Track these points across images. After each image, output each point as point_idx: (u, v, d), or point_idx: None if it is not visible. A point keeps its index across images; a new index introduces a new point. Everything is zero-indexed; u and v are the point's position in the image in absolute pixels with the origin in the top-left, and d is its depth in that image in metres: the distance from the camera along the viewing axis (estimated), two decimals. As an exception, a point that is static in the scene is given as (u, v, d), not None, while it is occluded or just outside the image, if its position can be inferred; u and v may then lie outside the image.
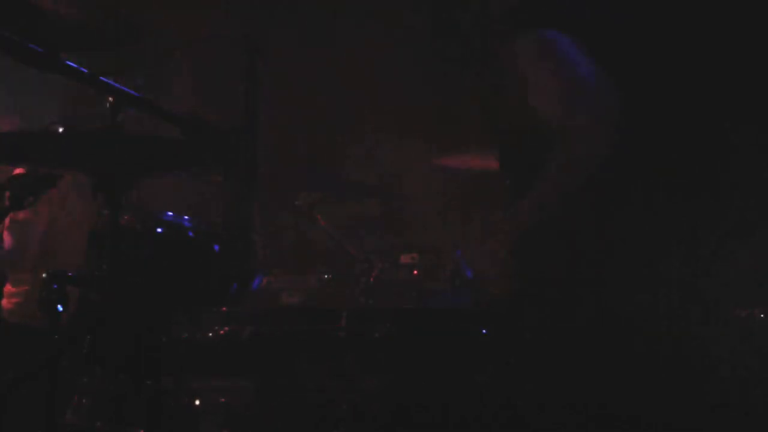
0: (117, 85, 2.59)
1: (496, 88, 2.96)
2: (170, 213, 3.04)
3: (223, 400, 2.80)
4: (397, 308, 3.65)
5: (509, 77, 2.87)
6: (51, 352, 2.68)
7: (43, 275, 2.71)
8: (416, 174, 4.69)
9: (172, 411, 2.76)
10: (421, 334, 2.86)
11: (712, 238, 2.76)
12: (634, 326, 2.72)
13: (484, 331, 2.85)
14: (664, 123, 2.79)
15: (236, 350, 2.84)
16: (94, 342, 2.77)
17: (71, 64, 2.49)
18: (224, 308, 2.94)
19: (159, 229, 2.95)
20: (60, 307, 2.69)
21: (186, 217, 3.05)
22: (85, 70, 2.50)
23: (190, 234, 3.02)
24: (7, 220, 3.82)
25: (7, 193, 2.85)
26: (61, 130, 2.66)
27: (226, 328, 2.87)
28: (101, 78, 2.54)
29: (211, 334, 2.85)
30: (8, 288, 4.16)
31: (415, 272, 4.06)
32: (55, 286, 2.70)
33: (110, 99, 2.64)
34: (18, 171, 3.13)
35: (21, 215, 4.10)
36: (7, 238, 4.27)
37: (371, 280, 4.00)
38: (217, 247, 2.96)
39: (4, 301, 4.07)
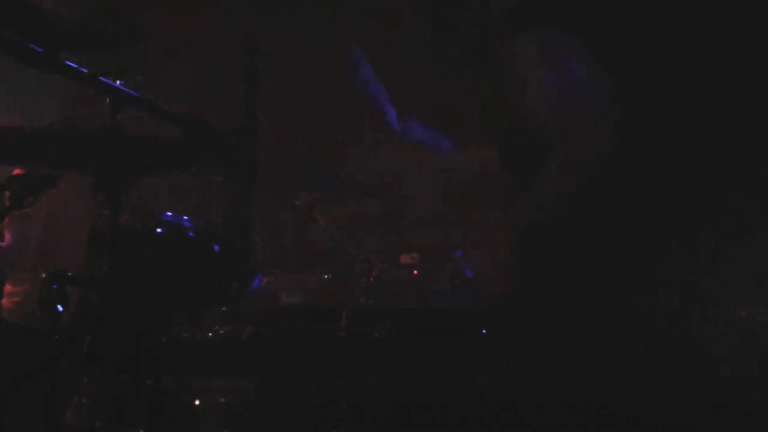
0: (117, 85, 2.59)
1: (496, 88, 2.96)
2: (170, 213, 3.04)
3: (223, 400, 2.80)
4: (397, 308, 3.65)
5: (509, 77, 2.87)
6: (51, 352, 2.68)
7: (43, 275, 2.71)
8: (416, 174, 4.69)
9: (172, 411, 2.76)
10: (421, 334, 2.86)
11: (712, 238, 2.76)
12: (634, 326, 2.72)
13: (484, 331, 2.85)
14: (664, 123, 2.79)
15: (236, 350, 2.84)
16: (94, 342, 2.77)
17: (71, 64, 2.49)
18: (224, 308, 2.94)
19: (159, 229, 2.95)
20: (60, 307, 2.69)
21: (186, 217, 3.05)
22: (85, 70, 2.51)
23: (190, 234, 3.02)
24: (6, 220, 3.82)
25: (7, 193, 2.85)
26: (61, 130, 2.66)
27: (226, 328, 2.86)
28: (101, 78, 2.54)
29: (211, 334, 2.85)
30: (8, 287, 4.16)
31: (415, 272, 4.06)
32: (55, 286, 2.71)
33: (110, 99, 2.64)
34: (18, 171, 3.13)
35: (21, 215, 4.10)
36: (7, 238, 4.27)
37: (371, 280, 4.01)
38: (217, 247, 2.96)
39: (4, 300, 4.07)
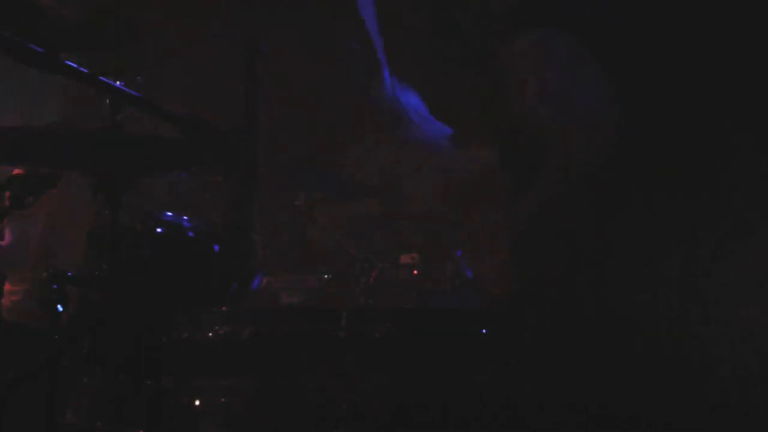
0: (117, 85, 2.59)
1: (496, 88, 2.96)
2: (170, 213, 3.04)
3: (223, 400, 2.80)
4: (397, 308, 3.65)
5: (509, 77, 2.87)
6: (51, 352, 2.68)
7: (43, 275, 2.71)
8: (416, 174, 4.69)
9: (172, 411, 2.76)
10: (421, 334, 2.86)
11: (712, 238, 2.76)
12: (634, 326, 2.72)
13: (484, 331, 2.85)
14: (664, 123, 2.79)
15: (236, 350, 2.84)
16: (94, 342, 2.77)
17: (71, 64, 2.49)
18: (224, 308, 2.94)
19: (159, 229, 2.95)
20: (60, 307, 2.69)
21: (186, 217, 3.05)
22: (85, 70, 2.51)
23: (190, 234, 3.02)
24: (6, 220, 3.83)
25: (7, 193, 2.85)
26: (61, 130, 2.66)
27: (226, 328, 2.86)
28: (101, 78, 2.54)
29: (211, 334, 2.85)
30: (7, 286, 4.16)
31: (415, 272, 4.06)
32: (55, 286, 2.71)
33: (110, 99, 2.64)
34: (18, 171, 3.13)
35: (21, 215, 4.10)
36: (7, 237, 4.27)
37: (371, 280, 4.01)
38: (217, 247, 2.96)
39: (3, 300, 4.07)
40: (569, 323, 2.75)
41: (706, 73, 2.81)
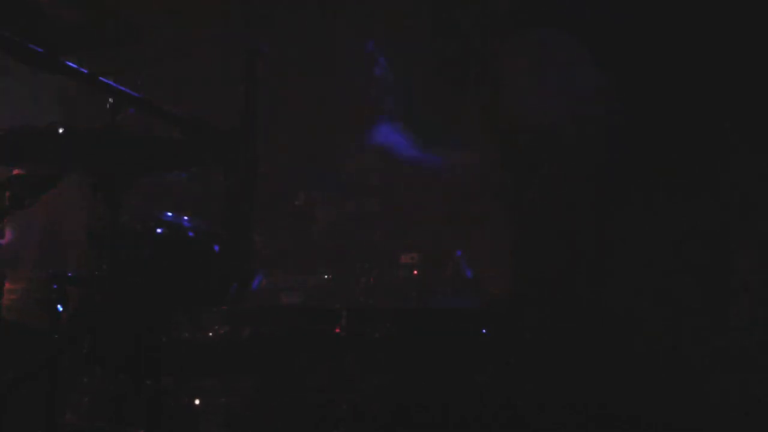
0: (117, 85, 2.59)
1: (496, 88, 2.96)
2: (170, 213, 3.04)
3: (223, 400, 2.80)
4: (397, 308, 3.64)
5: (509, 77, 2.87)
6: (51, 352, 2.68)
7: (43, 275, 2.71)
8: (416, 174, 4.68)
9: (172, 411, 2.76)
10: (421, 334, 2.86)
11: (711, 238, 2.76)
12: (634, 326, 2.72)
13: (484, 331, 2.85)
14: (664, 123, 2.79)
15: (236, 350, 2.84)
16: (94, 342, 2.77)
17: (71, 64, 2.49)
18: (224, 308, 2.94)
19: (159, 229, 2.95)
20: (60, 307, 2.69)
21: (186, 217, 3.05)
22: (85, 70, 2.50)
23: (190, 234, 3.01)
24: (6, 220, 3.82)
25: (7, 193, 2.85)
26: (61, 130, 2.66)
27: (226, 328, 2.86)
28: (101, 78, 2.54)
29: (211, 334, 2.85)
30: (7, 286, 4.16)
31: (415, 272, 4.06)
32: (55, 286, 2.71)
33: (110, 99, 2.64)
34: (18, 171, 3.12)
35: (21, 215, 4.10)
36: (7, 237, 4.27)
37: (371, 280, 4.00)
38: (217, 247, 2.96)
39: (3, 299, 4.07)
40: (569, 323, 2.75)
41: (706, 73, 2.81)
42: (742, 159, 2.79)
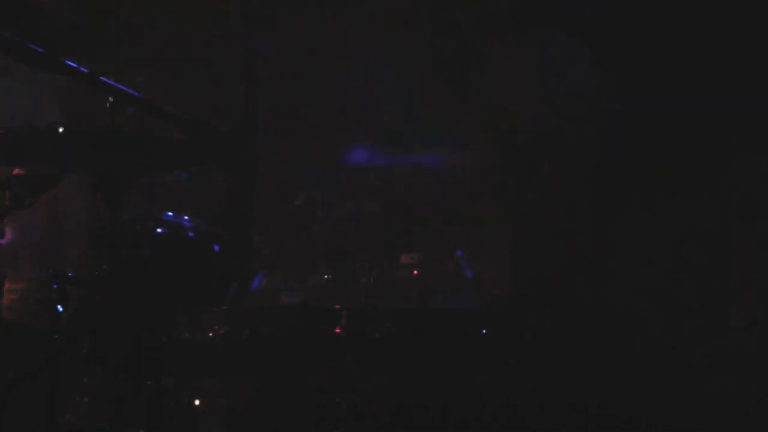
0: (117, 85, 2.59)
1: (495, 88, 2.96)
2: (170, 213, 3.04)
3: (223, 400, 2.80)
4: (397, 308, 3.64)
5: (509, 77, 2.87)
6: (51, 352, 2.68)
7: (43, 275, 2.71)
8: (416, 174, 4.68)
9: (172, 411, 2.76)
10: (421, 334, 2.86)
11: (711, 238, 2.76)
12: (634, 326, 2.72)
13: (484, 331, 2.85)
14: (664, 123, 2.79)
15: (236, 350, 2.84)
16: (94, 342, 2.77)
17: (71, 64, 2.49)
18: (224, 308, 2.94)
19: (159, 229, 2.95)
20: (60, 307, 2.69)
21: (186, 217, 3.05)
22: (85, 70, 2.50)
23: (190, 234, 3.01)
24: (7, 219, 3.83)
25: (7, 193, 2.85)
26: (61, 130, 2.66)
27: (226, 328, 2.86)
28: (101, 78, 2.54)
29: (211, 334, 2.85)
30: (7, 286, 4.15)
31: (415, 272, 4.06)
32: (55, 286, 2.71)
33: (110, 99, 2.64)
34: (18, 171, 3.12)
35: (21, 215, 4.10)
36: (7, 237, 4.27)
37: (371, 280, 4.00)
38: (217, 247, 2.96)
39: (3, 299, 4.07)
40: (569, 323, 2.75)
41: (706, 73, 2.81)
42: (742, 159, 2.79)
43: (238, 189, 2.93)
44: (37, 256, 4.32)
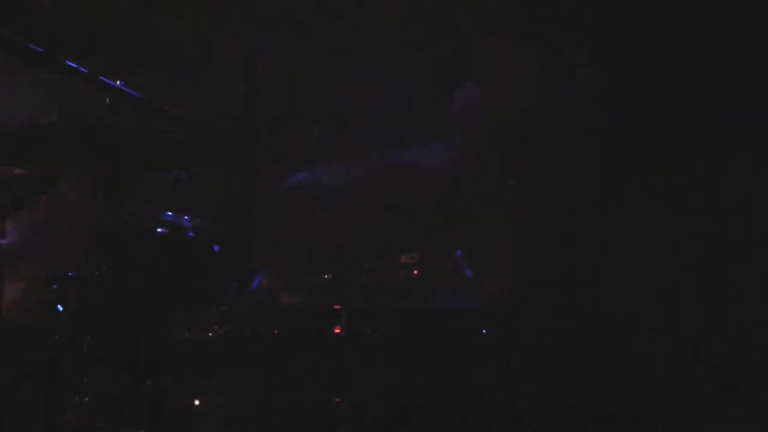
0: (117, 85, 2.59)
1: (495, 89, 2.96)
2: (170, 213, 3.04)
3: (223, 400, 2.80)
4: (397, 308, 3.64)
5: (509, 77, 2.87)
6: (51, 352, 2.68)
7: (43, 275, 2.71)
8: (416, 174, 4.68)
9: (172, 411, 2.76)
10: (421, 334, 2.86)
11: (711, 238, 2.76)
12: (634, 326, 2.72)
13: (484, 331, 2.85)
14: (664, 123, 2.79)
15: (236, 350, 2.84)
16: (94, 342, 2.77)
17: (71, 64, 2.49)
18: (224, 308, 2.94)
19: (159, 229, 2.95)
20: (60, 307, 2.69)
21: (186, 217, 3.05)
22: (85, 70, 2.51)
23: (190, 234, 3.02)
24: (7, 219, 3.83)
25: (8, 193, 2.85)
26: (61, 130, 2.66)
27: (226, 328, 2.87)
28: (101, 78, 2.54)
29: (211, 334, 2.85)
30: (6, 285, 4.15)
31: (415, 272, 4.05)
32: (55, 286, 2.71)
33: (110, 99, 2.64)
34: (18, 171, 3.12)
35: (21, 215, 4.10)
36: (7, 236, 4.27)
37: (371, 280, 4.00)
38: (217, 247, 2.96)
39: (3, 299, 4.07)
40: (569, 323, 2.75)
41: (706, 73, 2.81)
42: (742, 159, 2.79)
43: (238, 189, 2.93)
44: (37, 256, 4.32)
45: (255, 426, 2.79)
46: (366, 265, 4.05)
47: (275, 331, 2.90)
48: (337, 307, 3.08)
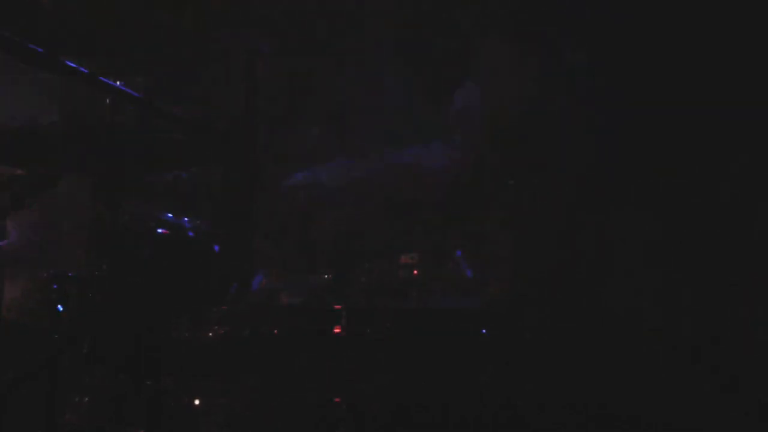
0: (117, 85, 2.59)
1: (495, 89, 2.96)
2: (170, 213, 3.04)
3: (223, 400, 2.80)
4: (397, 308, 3.64)
5: (509, 77, 2.87)
6: (51, 352, 2.68)
7: (43, 275, 2.71)
8: (416, 174, 4.68)
9: (172, 411, 2.76)
10: (421, 334, 2.86)
11: (711, 238, 2.76)
12: (634, 326, 2.72)
13: (484, 331, 2.85)
14: (664, 122, 2.79)
15: (236, 350, 2.84)
16: (94, 342, 2.77)
17: (71, 64, 2.49)
18: (224, 308, 2.95)
19: (159, 229, 2.95)
20: (60, 307, 2.69)
21: (186, 218, 3.05)
22: (86, 70, 2.51)
23: (190, 234, 3.02)
24: (7, 219, 3.83)
25: (8, 193, 2.85)
26: (61, 130, 2.67)
27: (226, 328, 2.87)
28: (101, 78, 2.54)
29: (211, 334, 2.85)
30: (6, 285, 4.16)
31: (415, 272, 4.05)
32: (55, 286, 2.71)
33: (110, 99, 2.65)
34: (18, 171, 3.13)
35: (21, 215, 4.10)
36: (7, 237, 4.27)
37: (371, 280, 4.00)
38: (217, 247, 2.96)
39: (3, 299, 4.07)
40: (569, 323, 2.75)
41: (707, 73, 2.81)
42: (742, 159, 2.79)
43: (238, 189, 2.93)
44: (37, 256, 4.32)
45: (255, 426, 2.79)
46: (366, 265, 4.05)
47: (275, 331, 2.90)
48: (337, 307, 3.08)
